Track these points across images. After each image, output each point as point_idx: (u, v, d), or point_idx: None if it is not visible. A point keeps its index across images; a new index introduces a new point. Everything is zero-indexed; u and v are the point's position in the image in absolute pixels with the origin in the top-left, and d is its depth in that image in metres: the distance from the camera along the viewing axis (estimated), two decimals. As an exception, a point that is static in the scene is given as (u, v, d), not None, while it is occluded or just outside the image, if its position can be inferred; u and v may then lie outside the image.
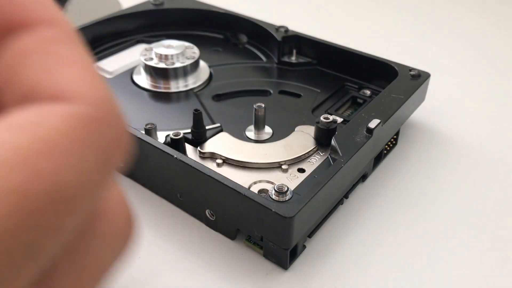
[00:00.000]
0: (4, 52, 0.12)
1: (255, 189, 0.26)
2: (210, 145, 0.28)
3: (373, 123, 0.27)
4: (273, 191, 0.23)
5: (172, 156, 0.25)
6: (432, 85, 0.35)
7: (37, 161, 0.10)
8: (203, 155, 0.28)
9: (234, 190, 0.23)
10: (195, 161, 0.25)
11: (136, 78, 0.36)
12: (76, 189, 0.11)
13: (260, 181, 0.26)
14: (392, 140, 0.33)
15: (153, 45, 0.36)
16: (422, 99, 0.34)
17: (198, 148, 0.28)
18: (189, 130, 0.29)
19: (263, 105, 0.30)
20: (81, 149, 0.11)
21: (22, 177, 0.10)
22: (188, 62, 0.35)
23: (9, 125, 0.10)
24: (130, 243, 0.14)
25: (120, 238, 0.14)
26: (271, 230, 0.23)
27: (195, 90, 0.35)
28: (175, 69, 0.35)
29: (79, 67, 0.12)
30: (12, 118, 0.11)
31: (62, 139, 0.10)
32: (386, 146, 0.33)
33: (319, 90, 0.35)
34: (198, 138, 0.28)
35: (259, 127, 0.30)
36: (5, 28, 0.12)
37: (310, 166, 0.27)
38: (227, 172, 0.27)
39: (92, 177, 0.11)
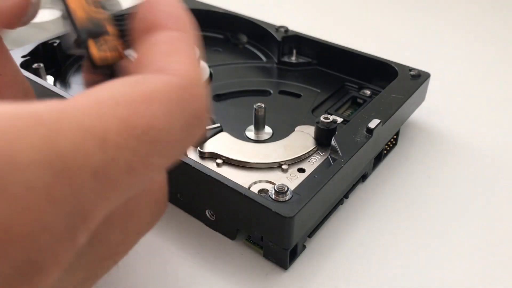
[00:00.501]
0: (144, 42, 0.16)
1: (255, 189, 0.26)
2: (210, 145, 0.28)
3: (373, 123, 0.27)
4: (273, 191, 0.23)
5: None
6: (432, 85, 0.35)
7: (136, 104, 0.13)
8: (203, 155, 0.28)
9: (234, 190, 0.23)
10: (195, 161, 0.25)
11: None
12: (164, 134, 0.13)
13: (260, 181, 0.26)
14: (392, 140, 0.33)
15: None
16: (422, 99, 0.34)
17: (198, 148, 0.28)
18: (189, 130, 0.29)
19: (263, 105, 0.30)
20: (171, 106, 0.14)
21: (126, 111, 0.13)
22: (188, 62, 0.35)
23: (119, 83, 0.14)
24: (160, 216, 0.17)
25: (158, 209, 0.17)
26: (271, 230, 0.23)
27: (195, 90, 0.35)
28: (175, 69, 0.35)
29: (187, 56, 0.16)
30: (124, 79, 0.14)
31: (157, 94, 0.14)
32: (386, 146, 0.33)
33: (319, 90, 0.35)
34: (198, 138, 0.28)
35: (259, 127, 0.30)
36: (149, 28, 0.17)
37: (310, 166, 0.27)
38: (227, 172, 0.27)
39: (176, 131, 0.14)
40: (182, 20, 0.17)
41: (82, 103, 0.12)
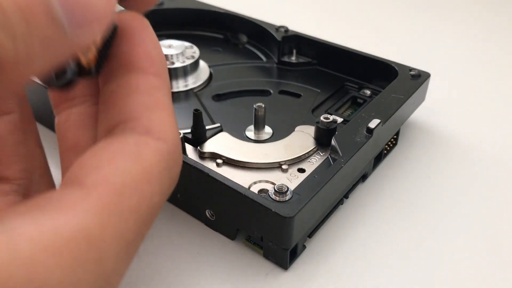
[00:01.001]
0: (125, 83, 0.18)
1: (255, 189, 0.26)
2: (210, 145, 0.28)
3: (373, 123, 0.27)
4: (273, 191, 0.23)
5: None
6: (432, 85, 0.35)
7: (142, 186, 0.15)
8: (203, 155, 0.28)
9: (234, 190, 0.23)
10: (195, 161, 0.25)
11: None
12: (159, 205, 0.16)
13: (260, 181, 0.26)
14: (392, 140, 0.33)
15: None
16: (422, 99, 0.34)
17: (198, 148, 0.28)
18: (189, 130, 0.29)
19: (263, 105, 0.30)
20: (163, 178, 0.16)
21: (136, 198, 0.15)
22: (188, 62, 0.35)
23: (120, 152, 0.15)
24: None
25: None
26: (271, 230, 0.23)
27: (195, 90, 0.35)
28: (175, 69, 0.35)
29: (168, 112, 0.17)
30: (120, 144, 0.16)
31: (154, 169, 0.16)
32: (386, 146, 0.33)
33: (319, 90, 0.35)
34: (198, 138, 0.28)
35: (259, 127, 0.30)
36: (130, 67, 0.18)
37: (310, 166, 0.27)
38: (227, 172, 0.27)
39: (164, 197, 0.17)
40: (161, 64, 0.18)
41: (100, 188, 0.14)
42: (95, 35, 0.14)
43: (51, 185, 0.22)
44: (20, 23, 0.12)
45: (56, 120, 0.21)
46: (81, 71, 0.17)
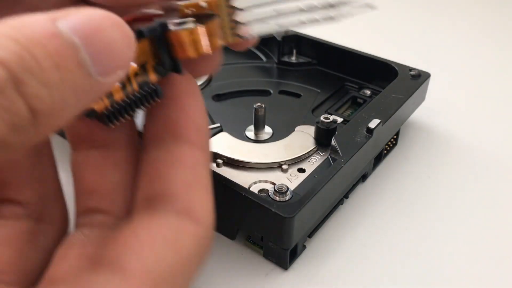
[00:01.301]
0: (166, 146, 0.18)
1: (255, 189, 0.26)
2: (210, 145, 0.28)
3: (373, 123, 0.27)
4: (273, 191, 0.23)
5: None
6: (432, 85, 0.35)
7: (177, 277, 0.16)
8: (203, 155, 0.28)
9: (234, 190, 0.23)
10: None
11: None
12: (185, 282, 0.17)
13: (260, 181, 0.26)
14: (392, 140, 0.33)
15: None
16: (422, 99, 0.34)
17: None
18: (189, 130, 0.28)
19: (263, 105, 0.30)
20: (195, 265, 0.17)
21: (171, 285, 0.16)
22: (188, 62, 0.35)
23: (161, 236, 0.16)
24: None
25: None
26: (271, 230, 0.23)
27: (195, 90, 0.35)
28: (175, 69, 0.35)
29: (208, 191, 0.18)
30: (162, 227, 0.16)
31: (190, 259, 0.17)
32: (386, 146, 0.33)
33: (319, 90, 0.35)
34: (198, 138, 0.28)
35: (259, 127, 0.30)
36: (172, 133, 0.18)
37: (310, 166, 0.27)
38: (227, 172, 0.27)
39: (192, 281, 0.17)
40: (207, 137, 0.19)
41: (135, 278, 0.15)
42: (119, 80, 0.15)
43: (63, 209, 0.21)
44: (53, 71, 0.13)
45: (73, 157, 0.20)
46: (93, 115, 0.18)
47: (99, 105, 0.17)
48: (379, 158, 0.32)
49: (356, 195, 0.30)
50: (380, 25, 0.53)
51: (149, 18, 0.19)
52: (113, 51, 0.14)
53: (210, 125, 0.30)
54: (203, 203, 0.18)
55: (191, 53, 0.18)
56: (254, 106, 0.30)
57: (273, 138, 0.30)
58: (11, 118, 0.12)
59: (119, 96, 0.18)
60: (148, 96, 0.18)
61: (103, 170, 0.20)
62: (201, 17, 0.18)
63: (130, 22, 0.16)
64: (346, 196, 0.29)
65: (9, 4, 0.22)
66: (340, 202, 0.29)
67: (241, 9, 0.19)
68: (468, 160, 0.33)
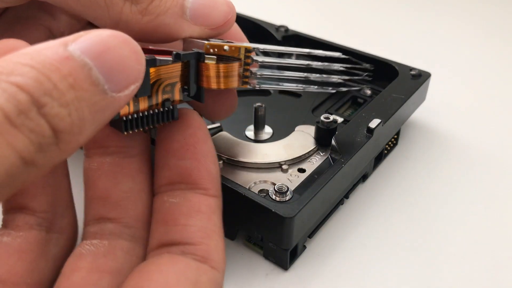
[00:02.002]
0: (182, 193, 0.20)
1: (255, 189, 0.25)
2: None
3: (373, 123, 0.27)
4: (273, 191, 0.23)
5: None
6: (433, 85, 0.35)
7: None
8: (203, 155, 0.28)
9: (234, 190, 0.23)
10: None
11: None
12: None
13: (260, 181, 0.26)
14: (393, 140, 0.33)
15: (153, 45, 0.36)
16: (422, 99, 0.34)
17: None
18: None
19: (263, 105, 0.30)
20: None
21: None
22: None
23: (184, 277, 0.17)
24: None
25: None
26: (271, 230, 0.23)
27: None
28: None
29: (221, 238, 0.20)
30: (183, 269, 0.18)
31: None
32: (387, 146, 0.32)
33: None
34: (198, 138, 0.28)
35: (259, 127, 0.30)
36: (188, 181, 0.20)
37: (310, 166, 0.27)
38: (227, 172, 0.27)
39: None
40: (219, 184, 0.21)
41: None
42: (133, 94, 0.16)
43: (74, 218, 0.21)
44: (69, 91, 0.14)
45: (86, 164, 0.21)
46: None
47: (123, 110, 0.18)
48: (379, 158, 0.32)
49: (356, 195, 0.30)
50: (381, 25, 0.53)
51: (168, 52, 0.21)
52: (124, 67, 0.15)
53: (210, 125, 0.30)
54: (218, 250, 0.19)
55: (214, 84, 0.21)
56: (254, 106, 0.30)
57: (273, 138, 0.30)
58: (37, 139, 0.13)
59: (144, 105, 0.19)
60: (166, 114, 0.20)
61: (116, 177, 0.20)
62: (223, 58, 0.21)
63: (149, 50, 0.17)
64: (346, 196, 0.29)
65: (29, 26, 0.24)
66: (340, 202, 0.29)
67: (256, 61, 0.22)
68: (468, 160, 0.33)
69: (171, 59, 0.19)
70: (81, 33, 0.15)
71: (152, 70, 0.19)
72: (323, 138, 0.28)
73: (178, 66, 0.20)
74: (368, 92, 0.35)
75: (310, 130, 0.29)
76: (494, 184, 0.31)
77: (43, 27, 0.25)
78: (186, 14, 0.20)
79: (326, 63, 0.25)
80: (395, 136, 0.33)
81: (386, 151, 0.33)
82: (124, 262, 0.19)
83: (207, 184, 0.20)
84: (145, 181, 0.21)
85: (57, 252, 0.20)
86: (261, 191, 0.25)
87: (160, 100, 0.20)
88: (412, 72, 0.33)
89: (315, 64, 0.24)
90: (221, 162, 0.27)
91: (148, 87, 0.19)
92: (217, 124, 0.30)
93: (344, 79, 0.25)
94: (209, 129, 0.29)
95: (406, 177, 0.31)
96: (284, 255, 0.25)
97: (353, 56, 0.36)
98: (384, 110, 0.29)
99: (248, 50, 0.22)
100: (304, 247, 0.26)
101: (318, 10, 0.57)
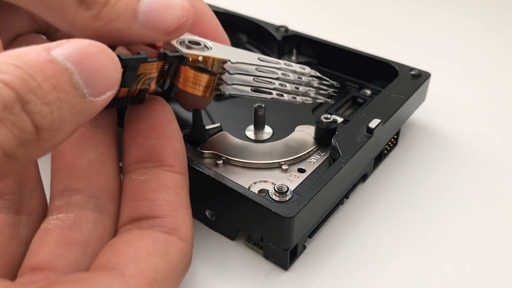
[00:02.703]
0: (150, 171, 0.21)
1: (255, 189, 0.25)
2: (210, 145, 0.28)
3: (373, 123, 0.27)
4: (273, 191, 0.23)
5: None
6: (433, 85, 0.35)
7: (166, 281, 0.18)
8: (203, 155, 0.28)
9: (234, 190, 0.23)
10: (195, 161, 0.25)
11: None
12: None
13: (260, 181, 0.26)
14: (393, 140, 0.33)
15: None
16: (422, 99, 0.34)
17: (198, 148, 0.28)
18: (189, 130, 0.29)
19: (263, 105, 0.30)
20: (180, 273, 0.20)
21: None
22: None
23: (153, 248, 0.18)
24: None
25: None
26: (271, 230, 0.23)
27: (195, 90, 0.35)
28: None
29: (189, 212, 0.21)
30: (153, 240, 0.19)
31: (177, 267, 0.19)
32: (387, 146, 0.32)
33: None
34: (198, 138, 0.28)
35: (259, 127, 0.30)
36: (155, 159, 0.21)
37: (310, 166, 0.27)
38: (227, 172, 0.27)
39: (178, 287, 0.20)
40: (186, 162, 0.22)
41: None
42: (110, 100, 0.17)
43: (42, 198, 0.22)
44: (52, 92, 0.15)
45: None
46: None
47: None
48: (379, 158, 0.32)
49: (356, 195, 0.30)
50: (380, 25, 0.53)
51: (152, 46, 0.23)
52: (102, 74, 0.16)
53: (210, 125, 0.30)
54: (186, 223, 0.20)
55: (189, 89, 0.22)
56: (254, 106, 0.30)
57: (273, 138, 0.30)
58: (19, 133, 0.14)
59: (123, 93, 0.20)
60: (136, 98, 0.21)
61: (81, 147, 0.21)
62: (202, 70, 0.23)
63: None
64: (346, 196, 0.29)
65: (13, 11, 0.25)
66: (340, 202, 0.29)
67: (228, 72, 0.24)
68: (468, 160, 0.33)
69: (156, 59, 0.20)
70: (64, 40, 0.16)
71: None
72: (323, 138, 0.28)
73: (161, 64, 0.21)
74: (368, 92, 0.35)
75: (310, 130, 0.29)
76: (494, 183, 0.31)
77: (26, 14, 0.26)
78: (138, 18, 0.20)
79: (296, 75, 0.26)
80: (395, 136, 0.33)
81: (386, 151, 0.33)
82: (91, 233, 0.20)
83: (173, 161, 0.21)
84: (109, 153, 0.22)
85: (28, 234, 0.20)
86: (261, 191, 0.25)
87: (137, 89, 0.21)
88: (412, 72, 0.33)
89: (285, 74, 0.25)
90: (221, 162, 0.27)
91: (133, 81, 0.20)
92: (217, 124, 0.30)
93: (311, 92, 0.26)
94: (209, 129, 0.29)
95: (406, 177, 0.31)
96: (284, 255, 0.25)
97: (353, 56, 0.36)
98: (384, 110, 0.29)
99: (221, 62, 0.23)
100: (304, 247, 0.26)
101: (318, 10, 0.57)
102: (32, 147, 0.14)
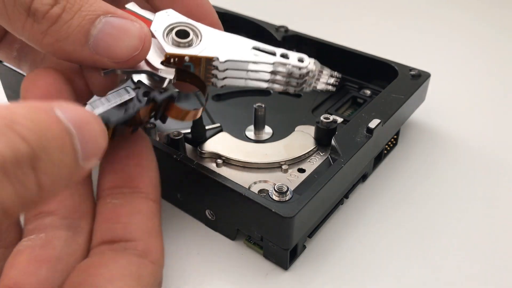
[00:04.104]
0: (126, 196, 0.21)
1: (255, 189, 0.26)
2: (210, 145, 0.28)
3: (373, 123, 0.27)
4: (273, 191, 0.23)
5: (172, 156, 0.25)
6: (432, 85, 0.35)
7: None
8: (203, 155, 0.28)
9: (234, 190, 0.23)
10: (195, 161, 0.25)
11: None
12: None
13: (260, 181, 0.26)
14: (392, 140, 0.33)
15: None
16: (422, 99, 0.34)
17: (198, 148, 0.28)
18: (189, 130, 0.29)
19: (263, 105, 0.30)
20: None
21: None
22: (188, 62, 0.35)
23: (127, 270, 0.19)
24: None
25: None
26: (271, 230, 0.23)
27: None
28: (175, 69, 0.35)
29: (160, 238, 0.21)
30: (127, 263, 0.19)
31: (149, 286, 0.19)
32: (386, 146, 0.33)
33: (319, 90, 0.35)
34: (198, 138, 0.28)
35: (259, 127, 0.30)
36: (130, 186, 0.21)
37: (310, 166, 0.27)
38: (227, 172, 0.27)
39: None
40: (159, 191, 0.22)
41: None
42: (93, 167, 0.17)
43: (20, 230, 0.22)
44: (57, 152, 0.15)
45: None
46: None
47: None
48: (379, 158, 0.32)
49: (356, 195, 0.30)
50: (380, 25, 0.53)
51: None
52: (95, 141, 0.16)
53: (210, 125, 0.30)
54: (157, 248, 0.21)
55: (179, 119, 0.23)
56: (254, 106, 0.30)
57: (273, 138, 0.30)
58: (23, 192, 0.13)
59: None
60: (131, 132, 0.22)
61: None
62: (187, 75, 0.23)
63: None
64: (346, 196, 0.29)
65: None
66: (340, 202, 0.29)
67: (217, 69, 0.23)
68: (468, 160, 0.33)
69: (144, 105, 0.20)
70: (61, 102, 0.16)
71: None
72: (323, 138, 0.28)
73: (150, 107, 0.21)
74: (368, 92, 0.35)
75: (310, 130, 0.29)
76: (494, 183, 0.31)
77: None
78: (89, 42, 0.19)
79: (292, 69, 0.24)
80: (395, 136, 0.33)
81: (385, 151, 0.33)
82: (62, 250, 0.20)
83: (148, 189, 0.21)
84: None
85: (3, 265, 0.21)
86: (261, 191, 0.25)
87: (131, 129, 0.21)
88: (412, 72, 0.33)
89: (279, 64, 0.24)
90: (221, 162, 0.27)
91: (125, 129, 0.21)
92: (217, 124, 0.30)
93: (307, 85, 0.25)
94: (209, 129, 0.29)
95: (405, 177, 0.31)
96: (284, 255, 0.25)
97: (353, 56, 0.36)
98: (384, 110, 0.29)
99: (209, 60, 0.23)
100: (304, 247, 0.26)
101: (318, 10, 0.57)
102: (28, 205, 0.14)
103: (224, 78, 0.24)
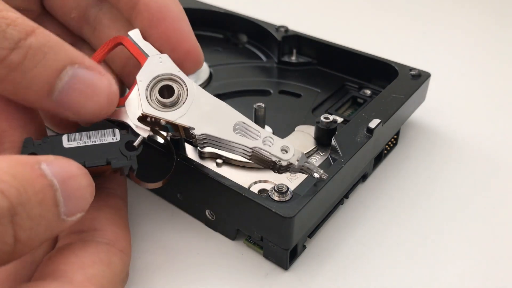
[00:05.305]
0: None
1: (255, 189, 0.25)
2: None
3: (373, 123, 0.27)
4: (273, 191, 0.23)
5: (172, 156, 0.25)
6: (433, 85, 0.35)
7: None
8: (203, 155, 0.28)
9: (234, 190, 0.23)
10: (195, 161, 0.25)
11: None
12: None
13: (260, 181, 0.26)
14: (393, 140, 0.33)
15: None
16: (422, 99, 0.34)
17: (198, 148, 0.28)
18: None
19: (263, 105, 0.30)
20: (122, 281, 0.21)
21: None
22: (188, 62, 0.35)
23: (97, 257, 0.19)
24: None
25: None
26: (271, 230, 0.23)
27: (195, 90, 0.35)
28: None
29: (127, 230, 0.22)
30: (96, 250, 0.19)
31: (119, 275, 0.20)
32: (387, 146, 0.32)
33: (319, 90, 0.35)
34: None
35: (259, 127, 0.30)
36: (97, 183, 0.19)
37: (310, 166, 0.27)
38: (227, 172, 0.27)
39: None
40: (126, 190, 0.24)
41: None
42: (76, 221, 0.17)
43: None
44: (37, 206, 0.15)
45: None
46: None
47: None
48: (379, 158, 0.32)
49: (356, 195, 0.30)
50: (380, 25, 0.53)
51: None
52: (80, 196, 0.17)
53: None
54: (125, 239, 0.21)
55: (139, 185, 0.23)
56: (254, 106, 0.30)
57: (273, 138, 0.30)
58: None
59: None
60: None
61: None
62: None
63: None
64: (346, 196, 0.29)
65: None
66: (340, 202, 0.29)
67: (195, 137, 0.23)
68: (468, 160, 0.33)
69: (104, 163, 0.20)
70: (51, 156, 0.16)
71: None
72: (323, 138, 0.28)
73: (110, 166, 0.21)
74: (368, 92, 0.35)
75: (310, 130, 0.29)
76: (494, 183, 0.31)
77: None
78: (53, 95, 0.18)
79: (268, 154, 0.22)
80: (395, 136, 0.33)
81: (386, 151, 0.33)
82: None
83: (115, 186, 0.22)
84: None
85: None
86: (261, 191, 0.25)
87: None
88: (412, 72, 0.33)
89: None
90: (221, 162, 0.27)
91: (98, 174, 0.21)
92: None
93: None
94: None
95: (405, 177, 0.31)
96: (284, 255, 0.25)
97: (353, 56, 0.36)
98: (384, 110, 0.29)
99: (186, 128, 0.22)
100: (304, 247, 0.26)
101: (318, 10, 0.57)
102: (4, 258, 0.14)
103: (204, 143, 0.23)
